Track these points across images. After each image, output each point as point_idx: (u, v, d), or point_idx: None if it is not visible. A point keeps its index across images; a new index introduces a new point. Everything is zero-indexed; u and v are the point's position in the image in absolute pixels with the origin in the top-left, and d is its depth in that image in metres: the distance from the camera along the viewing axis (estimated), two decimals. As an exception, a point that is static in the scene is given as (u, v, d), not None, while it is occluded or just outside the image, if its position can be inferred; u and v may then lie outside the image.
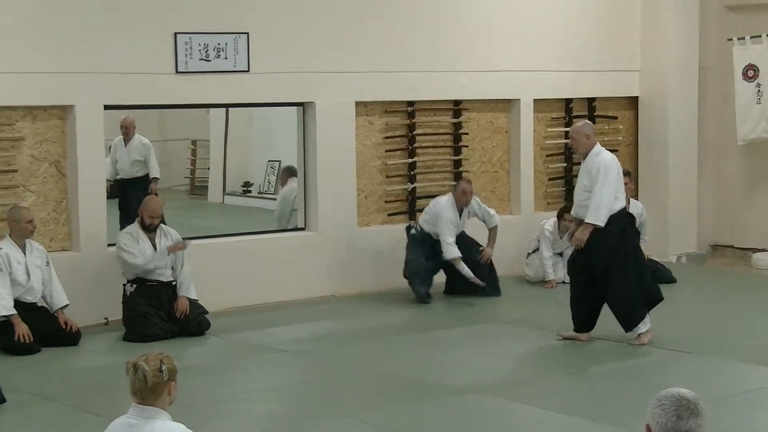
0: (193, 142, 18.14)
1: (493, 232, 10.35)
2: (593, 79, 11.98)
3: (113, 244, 8.99)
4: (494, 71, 11.25)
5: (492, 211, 10.43)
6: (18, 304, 8.23)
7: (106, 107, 9.26)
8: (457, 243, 10.10)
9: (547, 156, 11.90)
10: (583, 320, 8.31)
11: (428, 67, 10.83)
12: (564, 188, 12.05)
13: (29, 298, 8.37)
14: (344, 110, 10.40)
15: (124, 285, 8.82)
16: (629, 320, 8.17)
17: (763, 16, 11.99)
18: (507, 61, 11.32)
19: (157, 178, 11.96)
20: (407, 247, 10.19)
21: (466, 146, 11.34)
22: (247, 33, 9.78)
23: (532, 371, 7.79)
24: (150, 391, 3.97)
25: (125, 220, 10.60)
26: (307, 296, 10.15)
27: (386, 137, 10.82)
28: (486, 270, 10.31)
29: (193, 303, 8.86)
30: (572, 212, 8.50)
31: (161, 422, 3.96)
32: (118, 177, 11.93)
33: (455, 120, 11.26)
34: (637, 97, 12.43)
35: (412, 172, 10.97)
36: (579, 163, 11.89)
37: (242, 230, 10.85)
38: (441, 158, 11.22)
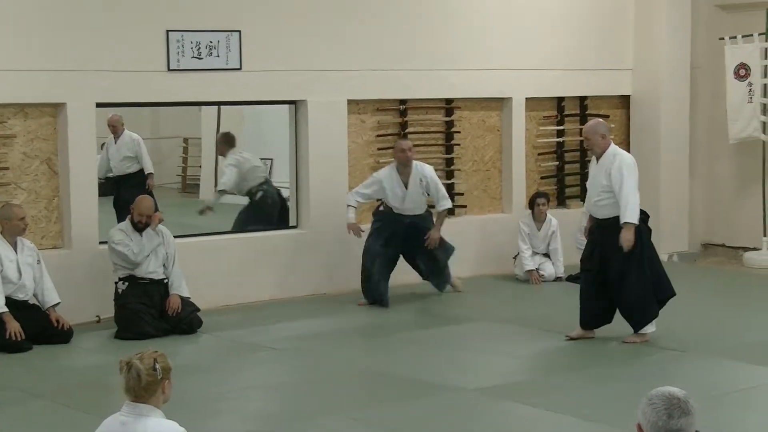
0: (185, 140, 18.10)
1: (440, 215, 9.90)
2: (585, 78, 11.99)
3: (105, 242, 8.97)
4: (486, 70, 11.25)
5: (445, 194, 9.96)
6: (9, 302, 8.22)
7: (98, 105, 9.25)
8: (400, 219, 9.78)
9: (539, 155, 11.91)
10: (592, 319, 8.29)
11: (420, 65, 10.83)
12: (556, 186, 12.06)
13: (20, 296, 8.35)
14: (336, 109, 10.40)
15: (116, 283, 8.81)
16: (642, 319, 8.16)
17: (754, 16, 12.01)
18: (499, 59, 11.32)
19: (152, 173, 11.90)
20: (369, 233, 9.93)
21: (458, 145, 11.34)
22: (239, 31, 9.77)
23: (526, 370, 7.80)
24: (144, 389, 3.96)
25: (121, 218, 10.57)
26: (299, 294, 10.14)
27: (378, 135, 10.82)
28: (428, 257, 9.94)
29: (185, 301, 8.85)
30: (587, 211, 8.47)
31: (154, 420, 3.95)
32: (110, 174, 11.90)
33: (447, 118, 11.26)
34: (628, 95, 12.45)
35: (404, 171, 10.96)
36: (571, 162, 12.07)
37: (234, 228, 10.84)
38: (433, 157, 11.20)
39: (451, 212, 11.28)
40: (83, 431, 5.84)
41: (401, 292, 10.15)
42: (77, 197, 9.10)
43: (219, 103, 12.12)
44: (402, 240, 9.84)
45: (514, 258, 11.11)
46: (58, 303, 8.49)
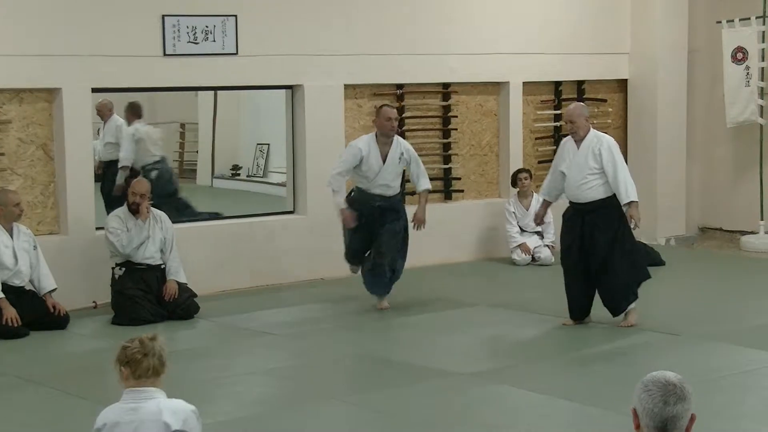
0: (182, 125, 18.06)
1: (423, 195, 9.15)
2: (582, 62, 11.96)
3: (102, 228, 8.96)
4: (483, 54, 11.22)
5: (426, 173, 9.17)
6: (5, 287, 8.21)
7: (94, 90, 9.23)
8: (370, 203, 8.83)
9: (536, 139, 11.90)
10: (580, 307, 8.26)
11: (417, 50, 10.80)
12: (553, 171, 12.04)
13: (17, 282, 8.34)
14: (333, 93, 10.37)
15: (113, 268, 8.80)
16: (623, 303, 8.13)
17: (752, -1, 11.99)
18: (496, 43, 11.29)
19: (126, 167, 11.28)
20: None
21: (455, 129, 11.32)
22: (235, 15, 9.74)
23: (522, 354, 7.79)
24: (158, 371, 3.98)
25: (108, 204, 10.52)
26: (297, 279, 10.14)
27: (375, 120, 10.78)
28: (389, 240, 8.97)
29: (182, 287, 8.84)
30: (570, 197, 8.27)
31: (165, 400, 3.97)
32: (100, 159, 11.78)
33: (444, 103, 11.24)
34: (626, 79, 12.42)
35: (401, 155, 10.94)
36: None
37: (231, 213, 10.83)
38: (430, 141, 11.20)
39: (448, 197, 11.31)
40: (80, 417, 5.87)
41: (401, 279, 10.13)
42: (73, 183, 9.08)
43: (215, 88, 12.09)
44: (373, 227, 8.97)
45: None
46: (55, 289, 8.48)
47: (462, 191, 11.38)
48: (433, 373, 7.09)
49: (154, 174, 11.37)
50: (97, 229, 9.10)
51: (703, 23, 12.41)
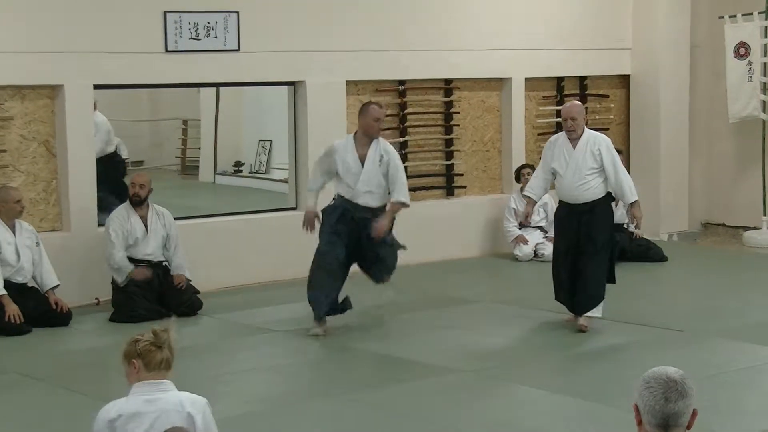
0: (184, 122, 18.07)
1: (394, 205, 8.02)
2: (585, 58, 11.95)
3: (104, 224, 8.96)
4: (486, 50, 11.21)
5: (405, 184, 8.05)
6: (8, 284, 8.21)
7: (96, 87, 9.22)
8: (350, 214, 7.95)
9: (539, 135, 11.88)
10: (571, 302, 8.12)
11: (419, 45, 10.79)
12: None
13: (19, 279, 8.34)
14: (335, 89, 10.36)
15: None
16: (596, 301, 7.98)
17: (755, -6, 11.97)
18: (498, 39, 11.28)
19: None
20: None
21: (458, 125, 11.31)
22: (237, 12, 9.73)
23: (524, 350, 7.79)
24: (170, 364, 4.02)
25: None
26: (299, 276, 10.10)
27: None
28: (372, 250, 8.10)
29: (186, 284, 8.84)
30: (565, 197, 8.01)
31: (181, 393, 4.01)
32: None
33: (447, 99, 11.23)
34: (628, 75, 12.41)
35: (403, 151, 10.93)
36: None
37: (233, 210, 10.83)
38: (432, 137, 11.19)
39: (450, 193, 11.30)
40: (82, 413, 5.86)
41: (402, 275, 10.12)
42: (75, 179, 9.08)
43: (217, 85, 12.08)
44: (353, 241, 8.05)
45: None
46: (57, 285, 8.49)
47: (464, 187, 11.38)
48: (435, 370, 7.09)
49: (113, 164, 11.14)
50: (100, 225, 9.10)
51: (705, 19, 12.39)
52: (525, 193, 8.52)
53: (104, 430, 3.96)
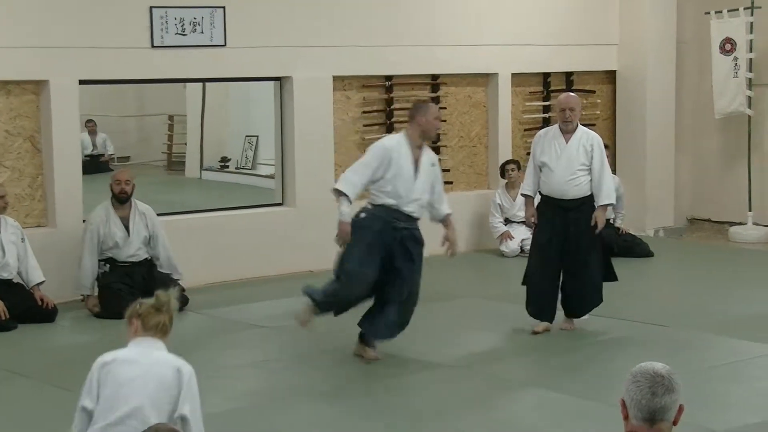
0: (170, 117, 18.04)
1: (449, 220, 7.48)
2: (571, 53, 11.96)
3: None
4: (472, 45, 11.21)
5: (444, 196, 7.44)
6: (-7, 280, 8.19)
7: (81, 82, 9.19)
8: (391, 226, 7.04)
9: (525, 130, 11.89)
10: (550, 308, 7.85)
11: (406, 41, 10.78)
12: (542, 163, 12.05)
13: (4, 275, 8.31)
14: (321, 85, 10.35)
15: (99, 262, 8.77)
16: (590, 306, 7.89)
17: (740, -10, 11.99)
18: (485, 35, 11.28)
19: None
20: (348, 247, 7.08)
21: (444, 121, 11.27)
22: (224, 7, 9.70)
23: (512, 347, 7.80)
24: (166, 330, 4.32)
25: None
26: (285, 272, 10.12)
27: (364, 112, 10.78)
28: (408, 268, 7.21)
29: (167, 277, 8.80)
30: (552, 192, 7.73)
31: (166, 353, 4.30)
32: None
33: (433, 94, 11.22)
34: (614, 71, 12.43)
35: (390, 147, 10.93)
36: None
37: (220, 205, 10.81)
38: (419, 133, 11.17)
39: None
40: (68, 409, 5.83)
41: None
42: (61, 175, 9.05)
43: (203, 80, 12.07)
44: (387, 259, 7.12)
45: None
46: (43, 281, 8.46)
47: (451, 183, 11.37)
48: (425, 366, 7.09)
49: None
50: (85, 221, 9.06)
51: (691, 14, 12.42)
52: (523, 192, 8.04)
53: (96, 372, 4.24)
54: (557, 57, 11.87)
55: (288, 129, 10.31)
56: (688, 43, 12.46)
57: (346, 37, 10.42)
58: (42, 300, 8.36)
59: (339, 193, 6.96)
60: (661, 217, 12.37)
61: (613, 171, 11.57)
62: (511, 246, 11.02)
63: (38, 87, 9.03)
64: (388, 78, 10.88)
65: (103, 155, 16.95)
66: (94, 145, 16.95)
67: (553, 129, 7.88)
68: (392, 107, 10.92)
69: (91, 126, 16.71)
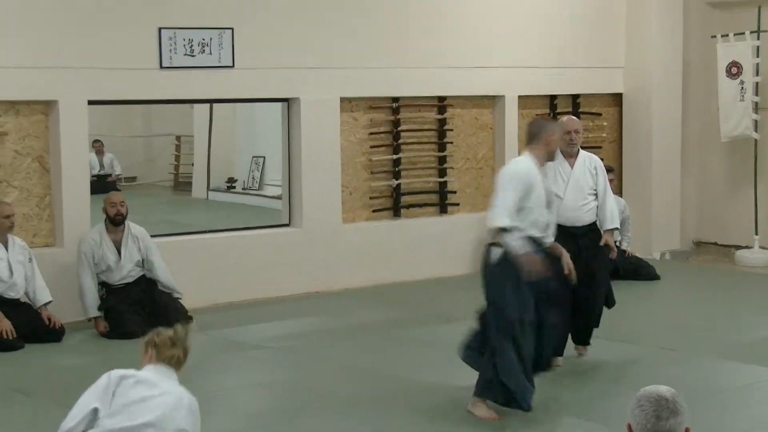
0: (177, 138, 18.09)
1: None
2: (578, 76, 12.00)
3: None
4: (479, 67, 11.25)
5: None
6: (1, 300, 8.20)
7: (90, 102, 9.23)
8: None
9: (532, 152, 11.89)
10: (563, 344, 7.43)
11: (413, 63, 10.82)
12: (548, 185, 12.06)
13: (12, 295, 8.32)
14: (329, 106, 10.38)
15: (99, 284, 8.80)
16: (593, 330, 7.71)
17: (746, 13, 12.03)
18: (491, 57, 11.32)
19: None
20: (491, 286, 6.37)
21: (451, 142, 11.34)
22: (232, 28, 9.76)
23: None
24: (180, 363, 4.45)
25: None
26: (291, 293, 10.13)
27: (371, 133, 10.81)
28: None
29: (168, 297, 8.82)
30: (567, 218, 7.35)
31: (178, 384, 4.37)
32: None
33: (440, 116, 11.26)
34: (621, 93, 12.46)
35: (396, 168, 10.97)
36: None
37: (226, 226, 10.84)
38: (425, 154, 11.21)
39: (443, 210, 11.31)
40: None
41: (395, 292, 10.14)
42: (69, 195, 9.08)
43: (211, 101, 12.11)
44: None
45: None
46: (50, 301, 8.47)
47: (458, 204, 11.39)
48: (429, 388, 7.08)
49: None
50: (79, 245, 9.03)
51: (698, 38, 12.45)
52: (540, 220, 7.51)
53: (114, 382, 4.27)
54: (564, 79, 11.90)
55: (295, 150, 10.33)
56: (694, 66, 12.49)
57: (353, 59, 10.46)
58: (49, 319, 8.38)
59: (502, 231, 6.28)
60: (668, 240, 12.36)
61: (620, 193, 11.64)
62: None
63: (47, 107, 9.07)
64: (395, 99, 10.92)
65: (110, 175, 17.00)
66: (102, 165, 17.00)
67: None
68: (399, 128, 10.95)
69: (98, 146, 16.76)
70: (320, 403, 6.86)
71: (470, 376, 7.36)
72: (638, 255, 11.21)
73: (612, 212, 7.59)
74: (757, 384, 7.19)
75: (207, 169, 16.93)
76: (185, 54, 9.53)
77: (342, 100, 10.49)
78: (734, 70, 11.89)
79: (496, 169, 11.62)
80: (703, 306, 9.89)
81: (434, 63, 10.95)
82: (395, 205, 10.98)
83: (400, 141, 10.97)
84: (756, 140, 11.93)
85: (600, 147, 12.05)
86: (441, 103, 11.24)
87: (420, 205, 11.14)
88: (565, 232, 7.27)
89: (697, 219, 12.76)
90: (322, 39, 10.28)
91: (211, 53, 9.65)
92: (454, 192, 11.39)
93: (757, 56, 11.83)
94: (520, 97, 11.62)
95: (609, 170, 8.71)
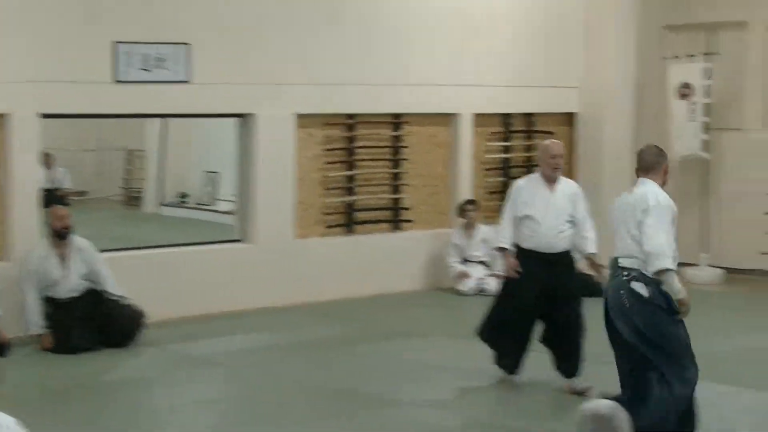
0: (129, 152, 17.96)
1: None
2: (532, 95, 12.08)
3: (48, 255, 8.84)
4: (435, 85, 11.29)
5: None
6: (-53, 315, 8.06)
7: (43, 116, 9.13)
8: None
9: (486, 170, 11.97)
10: (519, 359, 7.52)
11: (369, 80, 10.84)
12: (501, 202, 12.09)
13: (-42, 309, 8.18)
14: (285, 122, 10.37)
15: (44, 298, 8.72)
16: (579, 365, 7.40)
17: (699, 36, 12.20)
18: (447, 75, 11.37)
19: None
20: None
21: (406, 159, 11.36)
22: (188, 44, 9.71)
23: (474, 385, 7.76)
24: None
25: None
26: (244, 308, 10.07)
27: (326, 149, 10.80)
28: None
29: (118, 303, 8.74)
30: (544, 245, 7.29)
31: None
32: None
33: (395, 133, 11.28)
34: (574, 113, 12.57)
35: (351, 185, 10.96)
36: (517, 178, 12.10)
37: (178, 241, 10.75)
38: (380, 171, 11.22)
39: (397, 227, 11.33)
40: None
41: (348, 308, 10.12)
42: (18, 210, 8.97)
43: (167, 116, 12.05)
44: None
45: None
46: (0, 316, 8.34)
47: (411, 221, 11.41)
48: (383, 403, 7.07)
49: None
50: (22, 260, 8.91)
51: (652, 59, 12.59)
52: (501, 245, 7.48)
53: None
54: (519, 98, 11.97)
55: (250, 165, 10.30)
56: (648, 87, 12.63)
57: (309, 76, 10.45)
58: (-5, 334, 8.24)
59: (667, 271, 6.24)
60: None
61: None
62: (469, 284, 11.06)
63: (-1, 120, 8.96)
64: (351, 116, 10.92)
65: (58, 189, 16.79)
66: (51, 179, 16.79)
67: (535, 178, 7.50)
68: (354, 145, 10.96)
69: (48, 159, 16.55)
70: (272, 418, 6.83)
71: (420, 391, 7.36)
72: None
73: (592, 236, 7.43)
74: (710, 399, 7.24)
75: (159, 184, 16.81)
76: (141, 68, 9.47)
77: (298, 116, 10.47)
78: (685, 91, 12.05)
79: (450, 187, 11.67)
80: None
81: (390, 80, 10.98)
82: (349, 221, 10.98)
83: (356, 157, 10.98)
84: (706, 160, 12.07)
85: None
86: (397, 120, 11.27)
87: (374, 222, 11.14)
88: (537, 258, 7.25)
89: (648, 238, 12.86)
90: (278, 56, 10.26)
91: (167, 68, 9.59)
92: (408, 209, 11.41)
93: (709, 78, 11.98)
94: (475, 115, 11.68)
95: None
